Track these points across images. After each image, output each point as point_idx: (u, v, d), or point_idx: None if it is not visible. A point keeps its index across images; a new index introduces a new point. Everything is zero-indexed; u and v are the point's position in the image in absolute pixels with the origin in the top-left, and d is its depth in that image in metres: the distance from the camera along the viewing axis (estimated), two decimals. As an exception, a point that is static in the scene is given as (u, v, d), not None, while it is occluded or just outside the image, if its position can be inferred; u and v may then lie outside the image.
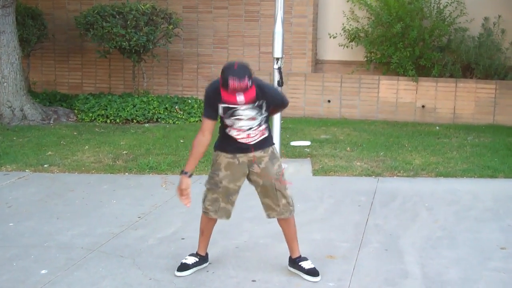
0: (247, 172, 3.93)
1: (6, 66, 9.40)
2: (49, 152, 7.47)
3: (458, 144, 8.07)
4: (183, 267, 4.01)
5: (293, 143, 7.98)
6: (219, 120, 3.84)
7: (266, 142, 3.91)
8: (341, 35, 10.88)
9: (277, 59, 6.74)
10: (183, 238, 4.68)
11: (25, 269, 4.13)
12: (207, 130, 3.78)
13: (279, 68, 6.73)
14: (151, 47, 10.22)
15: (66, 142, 8.07)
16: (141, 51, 10.22)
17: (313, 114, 10.58)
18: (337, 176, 6.53)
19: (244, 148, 3.85)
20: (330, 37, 10.93)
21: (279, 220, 4.01)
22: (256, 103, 3.72)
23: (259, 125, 3.82)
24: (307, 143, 8.04)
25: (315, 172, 6.64)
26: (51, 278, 3.98)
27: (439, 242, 4.57)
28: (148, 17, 9.90)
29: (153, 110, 9.80)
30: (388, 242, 4.55)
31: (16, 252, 4.41)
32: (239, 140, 3.83)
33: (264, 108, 3.77)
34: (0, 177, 6.50)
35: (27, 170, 6.75)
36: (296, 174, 6.63)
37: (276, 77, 6.73)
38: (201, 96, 11.25)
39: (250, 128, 3.80)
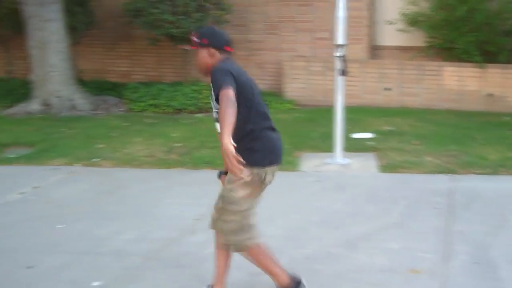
0: None
1: (55, 54, 9.14)
2: (100, 145, 7.16)
3: (535, 137, 7.44)
4: None
5: (354, 135, 7.48)
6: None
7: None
8: (400, 20, 10.28)
9: (339, 46, 6.27)
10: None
11: (76, 280, 3.78)
12: None
13: (342, 56, 6.26)
14: (201, 34, 9.81)
15: (117, 133, 7.75)
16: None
17: (371, 102, 10.02)
18: (407, 173, 6.01)
19: None
20: (387, 23, 10.34)
21: None
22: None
23: None
24: (370, 135, 7.53)
25: (383, 169, 6.15)
26: (105, 291, 3.63)
27: (536, 254, 4.04)
28: (197, 3, 9.49)
29: (205, 100, 9.41)
30: (477, 254, 4.04)
31: (66, 260, 4.07)
32: None
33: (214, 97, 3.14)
34: (49, 171, 6.22)
35: (77, 165, 6.46)
36: (361, 170, 6.16)
37: (338, 65, 6.27)
38: (252, 84, 10.82)
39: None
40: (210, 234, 4.46)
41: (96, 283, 3.72)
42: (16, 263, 4.04)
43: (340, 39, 6.29)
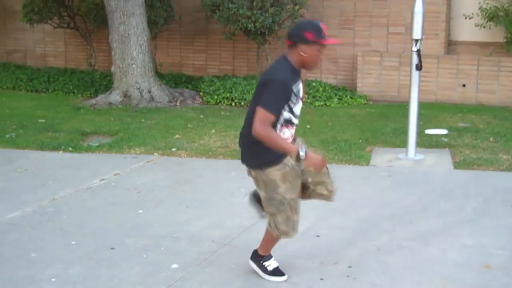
0: (300, 173, 3.48)
1: (135, 47, 9.47)
2: (177, 136, 7.41)
3: None
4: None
5: (428, 131, 7.42)
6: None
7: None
8: (478, 15, 10.05)
9: (416, 40, 6.25)
10: (318, 236, 4.36)
11: (156, 262, 3.99)
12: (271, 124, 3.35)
13: (418, 51, 6.24)
14: (276, 28, 9.94)
15: (193, 125, 7.99)
16: (266, 33, 9.98)
17: (446, 99, 9.87)
18: (481, 170, 5.94)
19: None
20: (465, 18, 10.13)
21: None
22: None
23: None
24: (444, 131, 7.45)
25: (457, 165, 6.09)
26: (182, 274, 3.80)
27: None
28: (274, -3, 9.61)
29: (278, 93, 9.51)
30: (553, 252, 4.00)
31: (146, 243, 4.29)
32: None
33: None
34: (129, 160, 6.50)
35: (155, 154, 6.71)
36: (435, 166, 6.12)
37: (414, 60, 6.26)
38: (325, 79, 10.85)
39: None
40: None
41: (174, 266, 3.91)
42: (99, 244, 4.28)
43: (417, 33, 6.26)
